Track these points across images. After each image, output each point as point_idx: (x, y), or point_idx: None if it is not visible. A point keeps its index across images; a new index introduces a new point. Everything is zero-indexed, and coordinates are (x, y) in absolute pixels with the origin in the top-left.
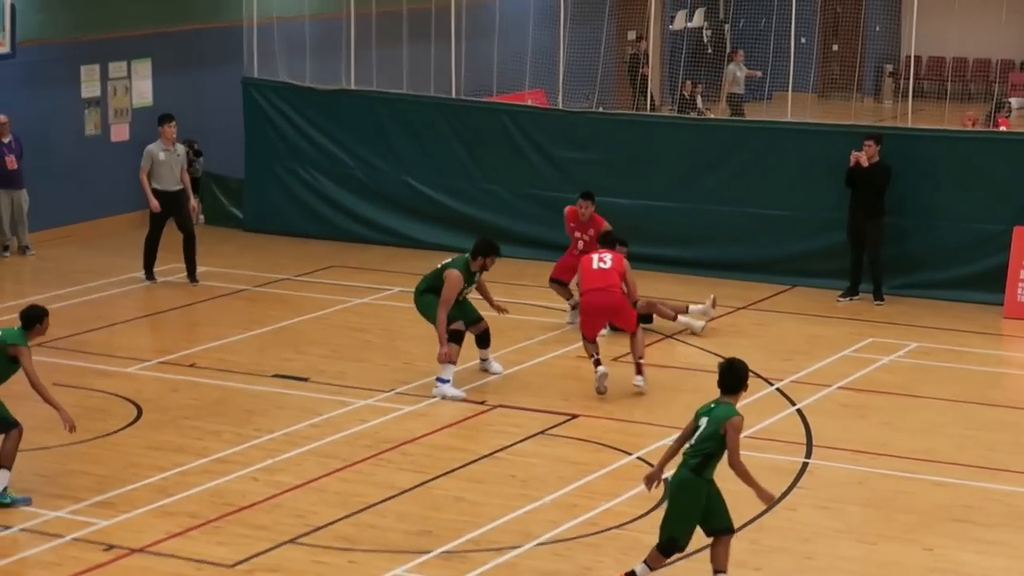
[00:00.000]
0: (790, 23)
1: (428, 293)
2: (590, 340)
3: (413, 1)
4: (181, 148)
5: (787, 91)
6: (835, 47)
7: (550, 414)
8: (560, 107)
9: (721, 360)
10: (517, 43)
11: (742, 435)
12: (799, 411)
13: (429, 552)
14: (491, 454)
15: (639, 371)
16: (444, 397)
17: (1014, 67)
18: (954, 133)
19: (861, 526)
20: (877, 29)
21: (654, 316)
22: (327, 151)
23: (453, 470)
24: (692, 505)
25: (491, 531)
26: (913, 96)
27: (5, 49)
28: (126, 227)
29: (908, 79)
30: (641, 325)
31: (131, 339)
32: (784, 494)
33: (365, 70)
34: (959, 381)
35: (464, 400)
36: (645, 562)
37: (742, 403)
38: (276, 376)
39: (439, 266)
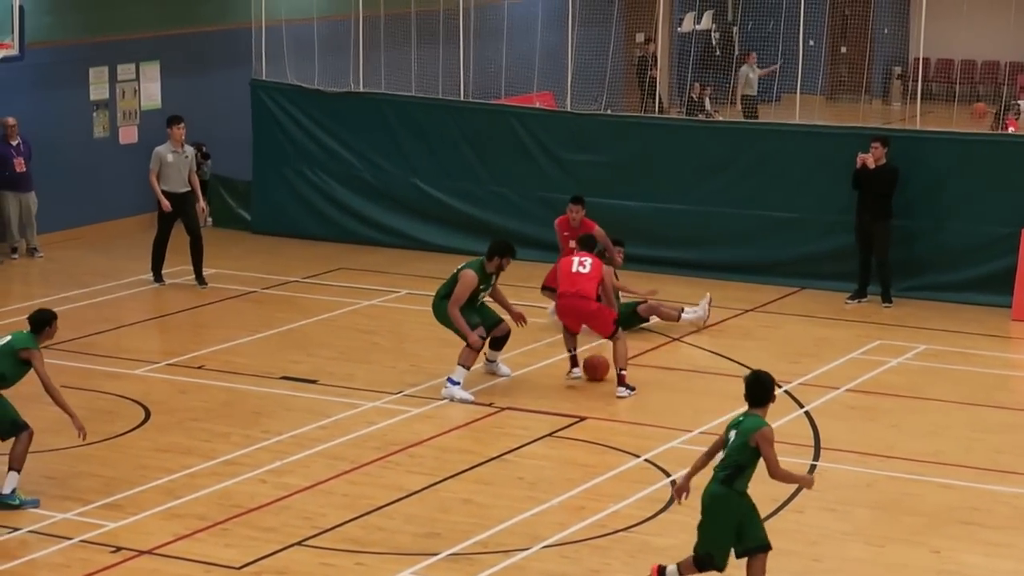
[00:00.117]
0: (798, 25)
1: (446, 300)
2: (572, 333)
3: (421, 3)
4: (190, 150)
5: (795, 93)
6: (843, 49)
7: (558, 416)
8: (568, 109)
9: (747, 373)
10: (525, 45)
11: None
12: (807, 413)
13: (437, 554)
14: (499, 456)
15: (621, 382)
16: (453, 399)
17: (1023, 69)
18: (963, 135)
19: (869, 528)
20: (885, 31)
21: (651, 317)
22: (335, 153)
23: (461, 472)
24: (726, 518)
25: (499, 533)
26: (922, 98)
27: (14, 51)
28: (134, 229)
29: (916, 81)
30: (640, 326)
31: (139, 341)
32: (791, 496)
33: (373, 72)
34: (967, 383)
35: (472, 403)
36: (678, 566)
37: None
38: (284, 378)
39: (455, 270)
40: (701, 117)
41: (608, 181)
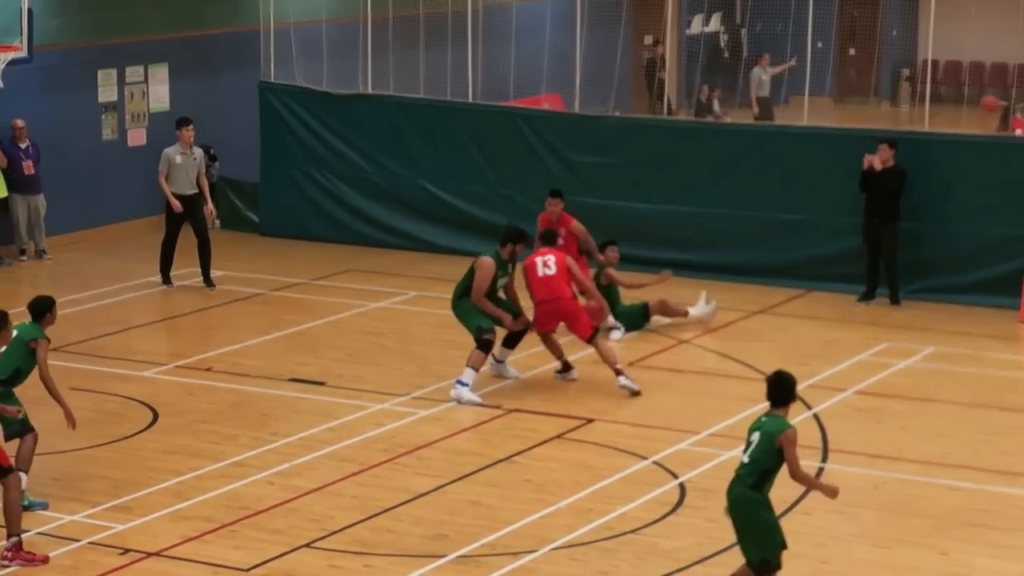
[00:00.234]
0: (807, 27)
1: (466, 297)
2: (549, 337)
3: (430, 5)
4: (199, 152)
5: (804, 95)
6: (852, 51)
7: (566, 418)
8: (576, 111)
9: (770, 374)
10: (534, 47)
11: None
12: (815, 415)
13: (445, 556)
14: (507, 458)
15: (619, 373)
16: (461, 401)
17: None
18: (971, 137)
19: (876, 530)
20: (894, 33)
21: (652, 317)
22: (343, 155)
23: (469, 474)
24: (763, 518)
25: (507, 535)
26: (930, 100)
27: (23, 53)
28: (142, 231)
29: (925, 83)
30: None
31: (147, 343)
32: (799, 499)
33: (382, 74)
34: (975, 385)
35: (480, 405)
36: None
37: (757, 407)
38: (292, 380)
39: (471, 266)
40: (709, 119)
41: (616, 183)
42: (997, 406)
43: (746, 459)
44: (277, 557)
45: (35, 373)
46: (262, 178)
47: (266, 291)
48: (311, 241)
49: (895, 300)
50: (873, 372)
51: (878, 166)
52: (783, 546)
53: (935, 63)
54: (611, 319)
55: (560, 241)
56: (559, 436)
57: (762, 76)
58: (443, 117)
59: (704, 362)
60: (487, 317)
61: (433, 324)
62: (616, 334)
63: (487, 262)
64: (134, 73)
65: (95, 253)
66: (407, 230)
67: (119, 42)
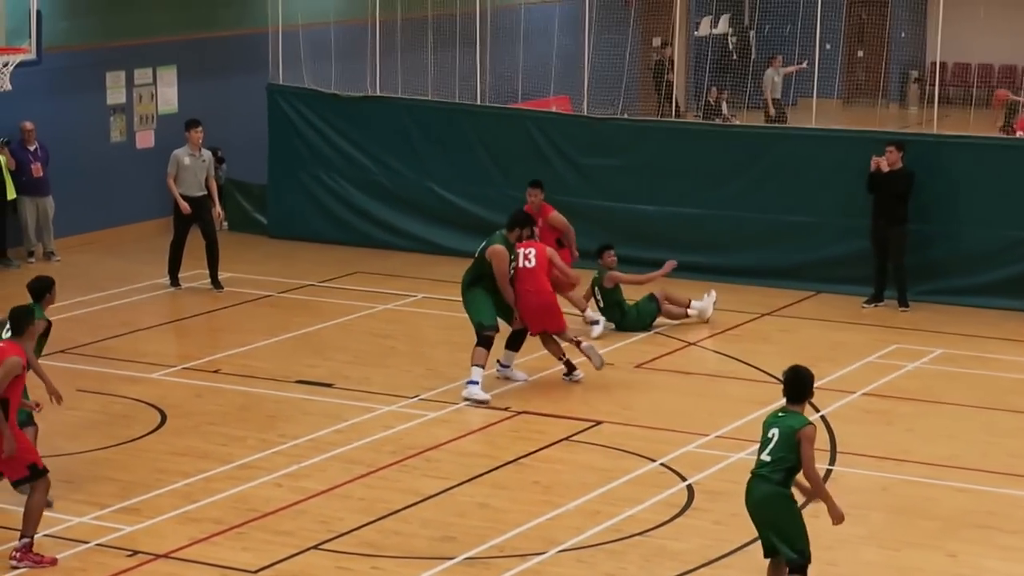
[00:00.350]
0: (815, 29)
1: (476, 286)
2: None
3: (438, 7)
4: (207, 154)
5: (812, 97)
6: (860, 53)
7: (574, 420)
8: (585, 113)
9: (786, 369)
10: (542, 49)
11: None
12: (823, 417)
13: (453, 558)
14: (515, 460)
15: (570, 368)
16: (471, 399)
17: None
18: (979, 140)
19: (884, 532)
20: (902, 35)
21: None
22: (351, 157)
23: (477, 476)
24: (795, 512)
25: (515, 537)
26: (938, 102)
27: (31, 56)
28: (151, 234)
29: (933, 85)
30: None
31: (155, 345)
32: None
33: (390, 76)
34: (983, 387)
35: (488, 404)
36: None
37: (764, 409)
38: (300, 382)
39: (477, 252)
40: (718, 121)
41: (624, 185)
42: (1005, 408)
43: (767, 457)
44: (285, 559)
45: (39, 385)
46: (270, 180)
47: (274, 293)
48: (319, 243)
49: (903, 302)
50: (881, 374)
51: (885, 168)
52: (807, 537)
53: (943, 65)
54: (590, 312)
55: (537, 230)
56: (567, 438)
57: (775, 78)
58: (451, 119)
59: (712, 364)
60: (492, 312)
61: (441, 326)
62: (596, 329)
63: (502, 251)
64: (142, 75)
65: (103, 255)
66: (415, 232)
67: (127, 44)
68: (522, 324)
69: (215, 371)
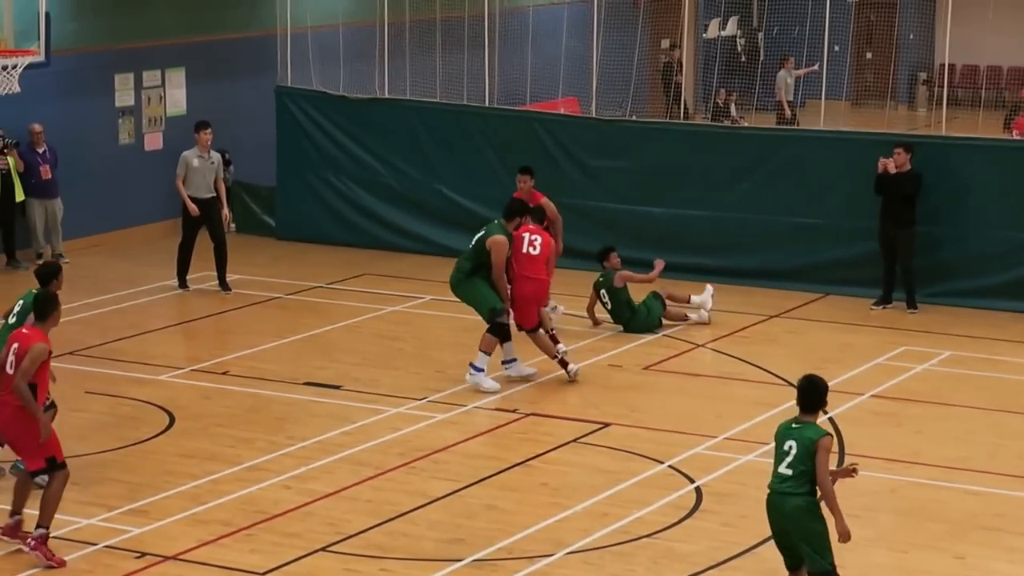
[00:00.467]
0: (824, 31)
1: (475, 275)
2: (533, 330)
3: (446, 9)
4: (216, 156)
5: (820, 99)
6: (869, 55)
7: (582, 422)
8: (593, 115)
9: (801, 378)
10: (550, 51)
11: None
12: (831, 419)
13: (461, 560)
14: (523, 462)
15: (565, 365)
16: (479, 388)
17: None
18: (988, 141)
19: (893, 534)
20: (911, 37)
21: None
22: (360, 159)
23: (485, 478)
24: (823, 521)
25: (523, 539)
26: (947, 104)
27: (40, 58)
28: (159, 236)
29: (942, 87)
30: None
31: (164, 347)
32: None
33: (398, 78)
34: (992, 389)
35: (496, 393)
36: None
37: (773, 411)
38: (308, 384)
39: (475, 241)
40: (726, 123)
41: (633, 187)
42: (1014, 410)
43: (787, 471)
44: (293, 561)
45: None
46: (279, 182)
47: (282, 295)
48: (327, 245)
49: (912, 304)
50: (889, 376)
51: (892, 169)
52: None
53: (952, 67)
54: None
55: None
56: (575, 440)
57: (787, 79)
58: (460, 121)
59: (720, 366)
60: (497, 297)
61: (449, 328)
62: (559, 310)
63: (502, 240)
64: (151, 77)
65: (112, 257)
66: (423, 234)
67: (136, 46)
68: (510, 316)
69: (223, 373)
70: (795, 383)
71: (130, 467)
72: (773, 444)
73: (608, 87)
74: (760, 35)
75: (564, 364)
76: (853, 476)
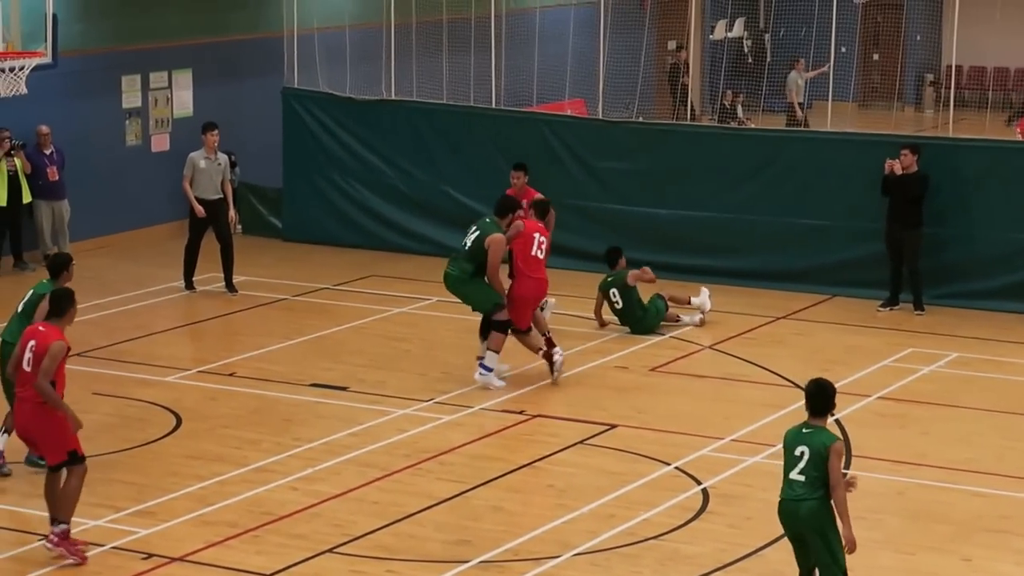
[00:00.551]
0: (830, 32)
1: (478, 277)
2: (526, 331)
3: (453, 11)
4: (223, 158)
5: (827, 100)
6: (875, 56)
7: (588, 424)
8: (600, 117)
9: (809, 382)
10: (557, 53)
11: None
12: (838, 421)
13: (467, 562)
14: (529, 464)
15: (552, 359)
16: (489, 387)
17: None
18: (995, 143)
19: (899, 536)
20: (918, 38)
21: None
22: (366, 161)
23: (491, 480)
24: (837, 525)
25: (529, 541)
26: (954, 105)
27: (47, 59)
28: (166, 237)
29: (949, 88)
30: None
31: (170, 348)
32: None
33: (405, 80)
34: (999, 391)
35: (503, 388)
36: None
37: (779, 413)
38: (315, 385)
39: (471, 240)
40: (733, 125)
41: (639, 189)
42: (1021, 412)
43: (800, 477)
44: (300, 562)
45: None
46: (285, 184)
47: (289, 296)
48: (334, 246)
49: (918, 306)
50: (896, 378)
51: (898, 170)
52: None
53: (959, 68)
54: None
55: (520, 212)
56: (581, 441)
57: (799, 81)
58: (466, 123)
59: (726, 367)
60: (499, 294)
61: (456, 329)
62: (551, 304)
63: (501, 239)
64: (158, 79)
65: (119, 258)
66: (430, 235)
67: (143, 48)
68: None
69: (230, 374)
70: (802, 385)
71: (137, 468)
72: (780, 447)
73: (615, 89)
74: (767, 36)
75: (551, 361)
76: (850, 491)
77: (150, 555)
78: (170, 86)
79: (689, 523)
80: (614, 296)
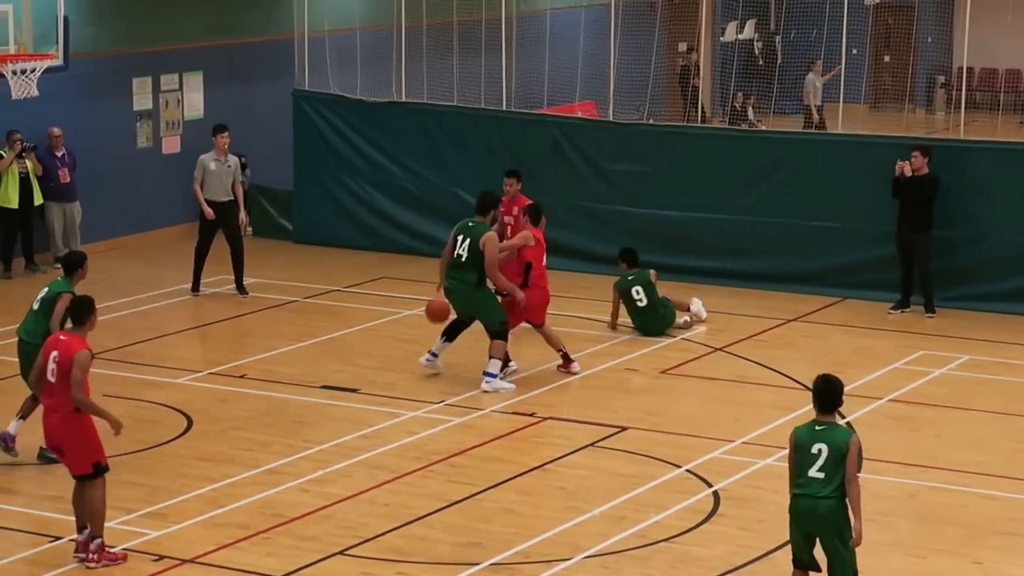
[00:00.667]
0: (841, 34)
1: (483, 285)
2: (543, 325)
3: (463, 13)
4: (234, 160)
5: (838, 102)
6: (887, 58)
7: (599, 426)
8: (610, 119)
9: (816, 379)
10: (567, 55)
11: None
12: (849, 423)
13: (478, 564)
14: (540, 466)
15: (567, 362)
16: (498, 391)
17: None
18: (1006, 145)
19: (910, 539)
20: (929, 40)
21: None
22: (377, 163)
23: (502, 482)
24: (850, 529)
25: (540, 543)
26: (965, 107)
27: (58, 62)
28: (177, 239)
29: (960, 90)
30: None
31: (181, 350)
32: None
33: (415, 82)
34: (1010, 394)
35: (513, 391)
36: None
37: (791, 415)
38: (325, 387)
39: (464, 250)
40: (744, 127)
41: (650, 191)
42: None
43: (819, 474)
44: (311, 564)
45: None
46: (296, 186)
47: (299, 298)
48: (344, 248)
49: (929, 308)
50: (907, 380)
51: (908, 172)
52: None
53: (970, 70)
54: None
55: (511, 219)
56: (592, 444)
57: (816, 83)
58: (477, 125)
59: (737, 370)
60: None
61: (466, 331)
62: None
63: (494, 236)
64: (169, 81)
65: (130, 260)
66: (440, 237)
67: (154, 50)
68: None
69: (241, 376)
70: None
71: (147, 470)
72: (791, 448)
73: (625, 90)
74: (778, 38)
75: (567, 359)
76: None
77: (161, 557)
78: (181, 88)
79: (700, 526)
80: (637, 294)
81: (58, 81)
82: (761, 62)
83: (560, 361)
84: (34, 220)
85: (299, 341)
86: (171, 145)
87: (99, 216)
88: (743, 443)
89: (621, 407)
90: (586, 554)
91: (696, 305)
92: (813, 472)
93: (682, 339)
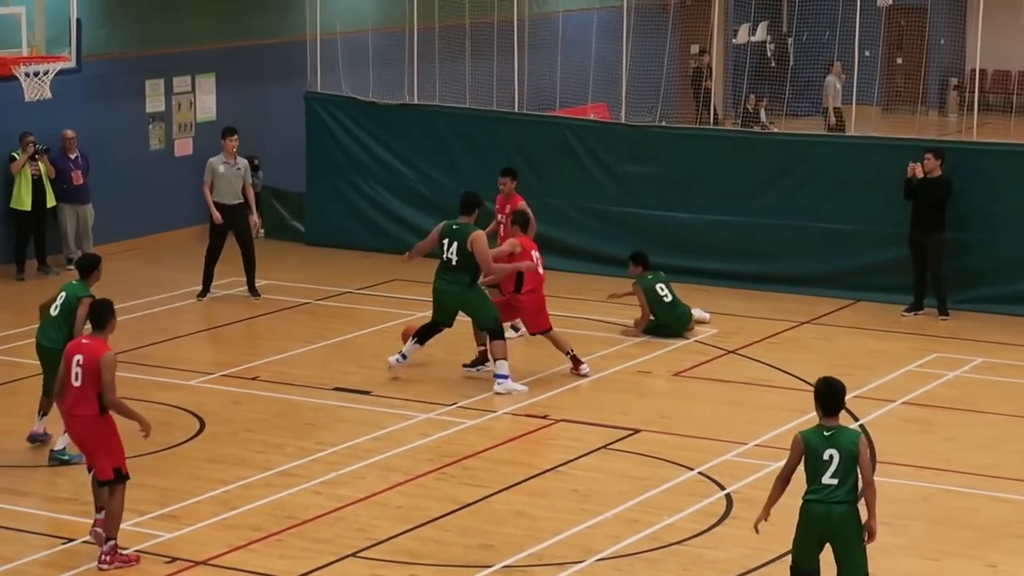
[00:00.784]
0: (854, 36)
1: (475, 285)
2: (550, 331)
3: (476, 15)
4: (243, 162)
5: (851, 104)
6: (899, 60)
7: (611, 429)
8: (623, 121)
9: (817, 381)
10: (579, 57)
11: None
12: (862, 426)
13: (490, 566)
14: (552, 469)
15: (577, 364)
16: (511, 393)
17: None
18: (1019, 147)
19: (924, 542)
20: (942, 42)
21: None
22: (389, 165)
23: (514, 484)
24: (862, 534)
25: (552, 546)
26: (978, 109)
27: (71, 64)
28: (189, 241)
29: (973, 92)
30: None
31: (193, 352)
32: None
33: (427, 84)
34: (1023, 396)
35: (526, 393)
36: None
37: (803, 418)
38: (338, 389)
39: (454, 254)
40: (756, 129)
41: (662, 193)
42: None
43: (833, 480)
44: (323, 567)
45: None
46: (308, 188)
47: (311, 300)
48: (356, 250)
49: (943, 311)
50: (920, 383)
51: (919, 174)
52: None
53: (983, 72)
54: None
55: (501, 218)
56: (604, 446)
57: (836, 85)
58: (489, 127)
59: (750, 372)
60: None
61: (465, 333)
62: (514, 332)
63: (481, 233)
64: (181, 83)
65: (142, 262)
66: None
67: (166, 52)
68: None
69: (253, 378)
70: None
71: (160, 472)
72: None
73: (638, 93)
74: (790, 40)
75: (576, 361)
76: None
77: (174, 559)
78: (193, 90)
79: (713, 528)
80: (662, 290)
81: (71, 83)
82: (773, 64)
83: (570, 364)
84: (47, 222)
85: (311, 343)
86: (183, 147)
87: (112, 218)
88: (756, 445)
89: (633, 409)
90: (598, 556)
91: (696, 310)
92: (827, 479)
93: (695, 341)
